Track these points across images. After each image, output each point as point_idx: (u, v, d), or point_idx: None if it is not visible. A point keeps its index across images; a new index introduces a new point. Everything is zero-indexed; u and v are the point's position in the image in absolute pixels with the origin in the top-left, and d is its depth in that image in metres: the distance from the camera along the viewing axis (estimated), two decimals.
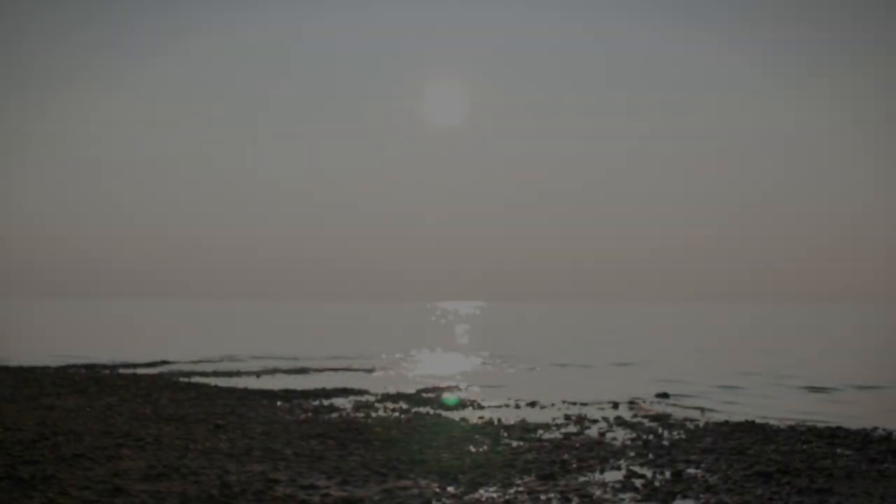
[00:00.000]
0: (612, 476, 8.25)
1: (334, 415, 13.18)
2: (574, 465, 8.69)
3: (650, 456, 9.45)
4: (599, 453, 9.55)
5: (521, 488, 7.50)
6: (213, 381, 19.91)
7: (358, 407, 14.49)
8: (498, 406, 15.26)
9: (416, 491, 7.20)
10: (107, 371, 21.73)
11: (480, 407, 15.04)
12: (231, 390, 16.94)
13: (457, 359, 30.27)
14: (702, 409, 15.13)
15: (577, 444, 10.26)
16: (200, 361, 27.23)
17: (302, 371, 23.68)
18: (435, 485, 7.50)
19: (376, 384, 19.65)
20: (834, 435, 11.12)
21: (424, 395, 16.87)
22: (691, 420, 13.28)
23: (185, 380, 19.62)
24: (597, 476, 8.24)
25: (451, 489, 7.34)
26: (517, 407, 15.16)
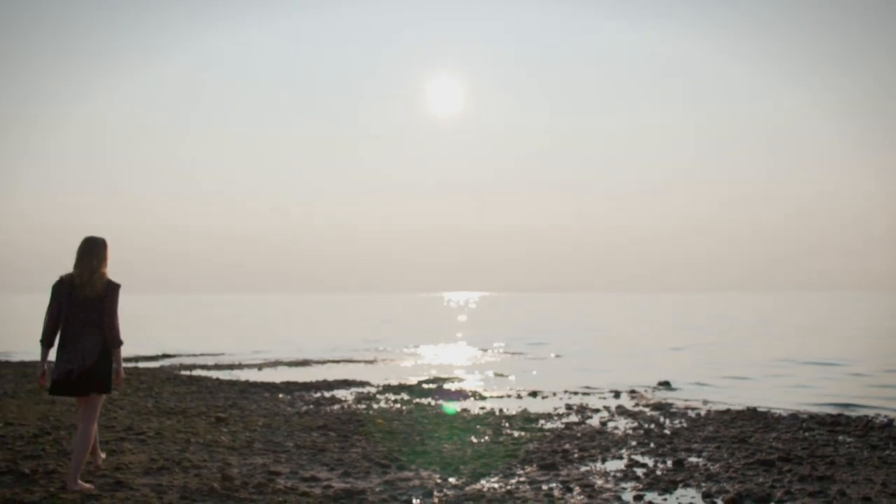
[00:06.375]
0: (614, 465, 8.24)
1: (336, 407, 13.18)
2: (576, 455, 8.68)
3: (652, 445, 9.44)
4: (601, 443, 9.54)
5: (522, 478, 7.49)
6: (214, 374, 19.94)
7: (359, 399, 14.49)
8: (499, 396, 15.26)
9: (417, 482, 7.19)
10: None
11: (482, 397, 15.04)
12: (232, 383, 16.95)
13: (458, 349, 30.29)
14: (703, 398, 15.13)
15: (579, 434, 10.26)
16: (202, 354, 27.25)
17: (304, 363, 23.70)
18: (436, 476, 7.49)
19: (378, 375, 19.67)
20: (835, 422, 11.11)
21: (426, 386, 16.87)
22: (693, 408, 13.29)
23: (187, 373, 19.64)
24: (598, 465, 8.23)
25: (452, 480, 7.33)
26: (518, 397, 15.17)
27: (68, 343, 6.08)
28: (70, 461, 6.46)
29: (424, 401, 14.25)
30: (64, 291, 6.14)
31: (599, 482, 7.36)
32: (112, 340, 6.15)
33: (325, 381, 17.45)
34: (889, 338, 35.64)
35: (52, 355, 6.27)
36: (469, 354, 27.73)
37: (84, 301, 6.10)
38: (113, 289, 6.18)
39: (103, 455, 7.10)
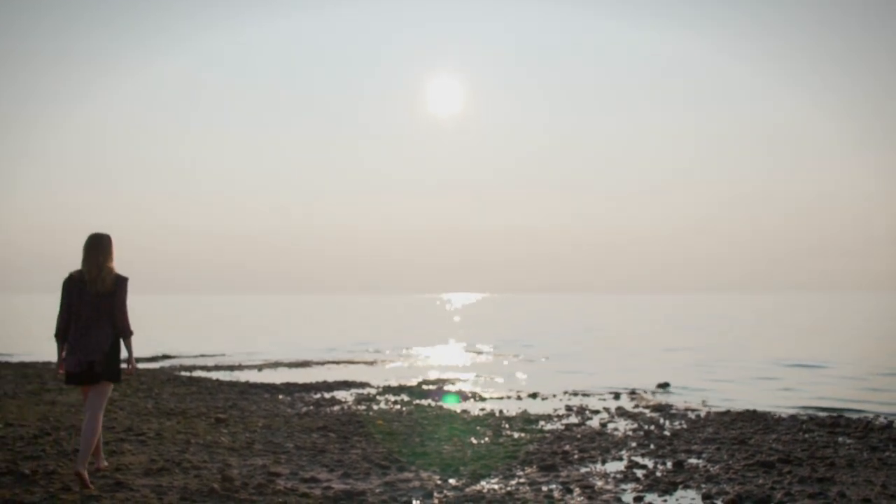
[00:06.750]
0: (614, 466, 8.24)
1: (336, 408, 13.18)
2: (576, 456, 8.68)
3: (652, 446, 9.44)
4: (601, 444, 9.54)
5: (522, 480, 7.49)
6: (214, 374, 19.94)
7: (359, 400, 14.49)
8: (499, 397, 15.26)
9: (417, 483, 7.19)
10: None
11: (482, 399, 15.04)
12: (232, 384, 16.95)
13: (458, 350, 30.28)
14: (703, 400, 15.13)
15: (579, 435, 10.26)
16: (202, 355, 27.25)
17: (304, 364, 23.70)
18: (437, 477, 7.49)
19: (378, 377, 19.68)
20: (835, 424, 11.11)
21: (426, 387, 16.87)
22: (692, 410, 13.28)
23: (187, 374, 19.64)
24: (598, 467, 8.23)
25: (452, 481, 7.33)
26: (518, 398, 15.17)
27: (82, 336, 6.36)
28: (74, 459, 6.49)
29: (424, 402, 14.26)
30: (74, 288, 6.41)
31: (599, 483, 7.36)
32: (124, 331, 6.46)
33: (325, 382, 17.45)
34: (889, 339, 35.64)
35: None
36: (468, 356, 27.73)
37: (95, 296, 6.39)
38: (122, 282, 6.49)
39: (106, 463, 7.17)
